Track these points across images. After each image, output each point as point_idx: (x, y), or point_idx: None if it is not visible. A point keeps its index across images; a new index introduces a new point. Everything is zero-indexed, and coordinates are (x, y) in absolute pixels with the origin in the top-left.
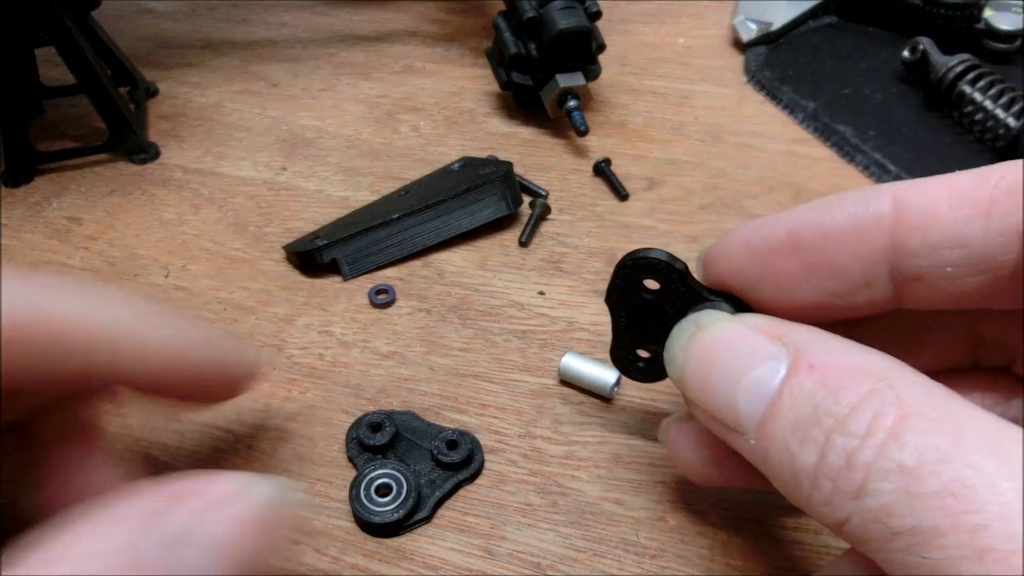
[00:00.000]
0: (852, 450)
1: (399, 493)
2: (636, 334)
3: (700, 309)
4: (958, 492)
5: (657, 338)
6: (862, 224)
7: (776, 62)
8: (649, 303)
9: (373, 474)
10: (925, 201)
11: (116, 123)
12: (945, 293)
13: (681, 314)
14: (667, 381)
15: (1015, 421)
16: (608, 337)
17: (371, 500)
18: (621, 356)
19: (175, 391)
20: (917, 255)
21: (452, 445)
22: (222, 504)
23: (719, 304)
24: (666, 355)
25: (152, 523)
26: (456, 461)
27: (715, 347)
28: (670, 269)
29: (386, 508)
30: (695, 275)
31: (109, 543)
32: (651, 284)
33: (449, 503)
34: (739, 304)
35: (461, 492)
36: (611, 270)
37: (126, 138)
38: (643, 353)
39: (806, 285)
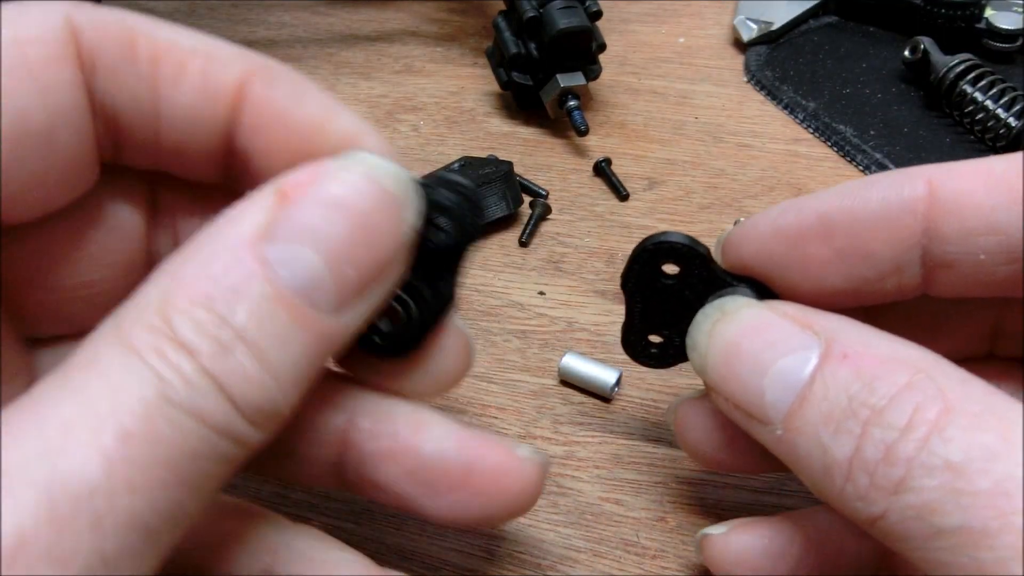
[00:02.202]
0: (891, 443)
1: None
2: (650, 320)
3: (723, 295)
4: (1011, 491)
5: (673, 323)
6: (896, 209)
7: (776, 62)
8: (667, 288)
9: None
10: (960, 186)
11: None
12: (975, 280)
13: (701, 300)
14: (675, 371)
15: None
16: (609, 337)
17: None
18: (634, 342)
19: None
20: (950, 241)
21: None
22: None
23: (742, 289)
24: (688, 341)
25: (273, 231)
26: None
27: (742, 334)
28: (693, 253)
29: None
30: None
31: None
32: (670, 268)
33: None
34: (762, 289)
35: None
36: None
37: None
38: (655, 339)
39: (835, 271)
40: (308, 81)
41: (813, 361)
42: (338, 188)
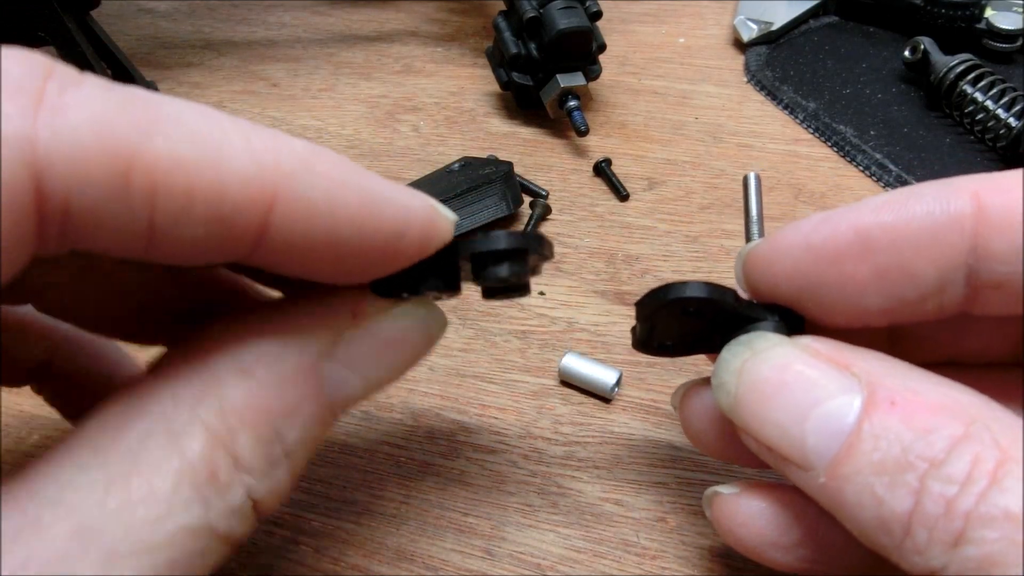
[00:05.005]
0: (952, 497)
1: None
2: (667, 336)
3: (749, 329)
4: None
5: (692, 343)
6: (940, 225)
7: (776, 62)
8: (687, 318)
9: None
10: (1009, 200)
11: None
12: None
13: (723, 332)
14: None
15: None
16: (609, 337)
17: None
18: (647, 347)
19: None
20: (1000, 260)
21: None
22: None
23: (767, 323)
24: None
25: (333, 350)
26: None
27: (775, 376)
28: (715, 304)
29: None
30: (734, 274)
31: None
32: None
33: (448, 503)
34: (788, 316)
35: (462, 492)
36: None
37: None
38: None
39: (873, 291)
40: (347, 171)
41: (857, 407)
42: (397, 331)
